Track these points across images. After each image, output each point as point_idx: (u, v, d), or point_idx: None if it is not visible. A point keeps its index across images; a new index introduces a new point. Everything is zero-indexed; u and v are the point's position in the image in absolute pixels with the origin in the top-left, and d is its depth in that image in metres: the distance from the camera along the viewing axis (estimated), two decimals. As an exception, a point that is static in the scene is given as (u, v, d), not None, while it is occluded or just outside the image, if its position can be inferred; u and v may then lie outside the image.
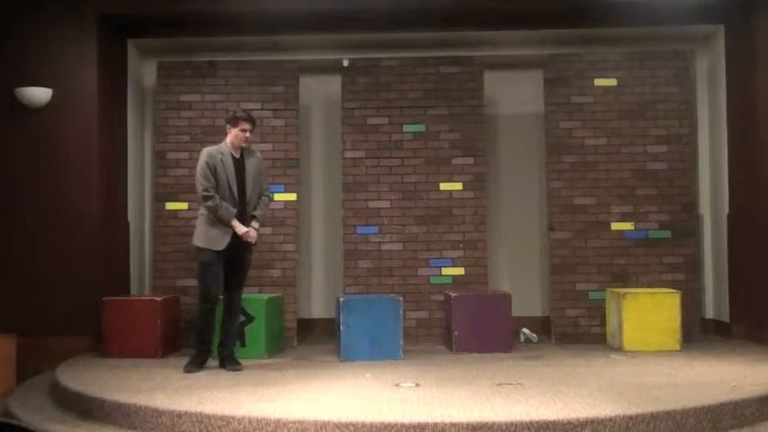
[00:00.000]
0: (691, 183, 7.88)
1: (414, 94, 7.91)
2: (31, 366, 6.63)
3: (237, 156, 6.25)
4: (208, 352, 6.22)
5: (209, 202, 6.07)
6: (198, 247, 6.20)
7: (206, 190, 6.08)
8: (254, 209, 6.29)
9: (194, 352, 6.19)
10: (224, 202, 6.09)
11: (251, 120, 6.29)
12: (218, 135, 7.75)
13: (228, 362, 6.20)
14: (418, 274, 7.73)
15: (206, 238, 6.13)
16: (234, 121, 6.24)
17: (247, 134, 6.24)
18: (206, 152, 6.21)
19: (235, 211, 6.13)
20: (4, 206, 7.22)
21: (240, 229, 6.11)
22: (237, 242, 6.14)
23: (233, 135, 6.23)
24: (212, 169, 6.11)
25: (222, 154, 6.19)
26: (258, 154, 6.47)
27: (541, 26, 7.87)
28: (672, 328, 6.86)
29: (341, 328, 6.64)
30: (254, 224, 6.27)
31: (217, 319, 6.26)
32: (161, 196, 7.82)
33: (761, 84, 7.17)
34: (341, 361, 6.55)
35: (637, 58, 7.90)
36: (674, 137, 7.79)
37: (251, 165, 6.29)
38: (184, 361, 6.22)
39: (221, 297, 6.27)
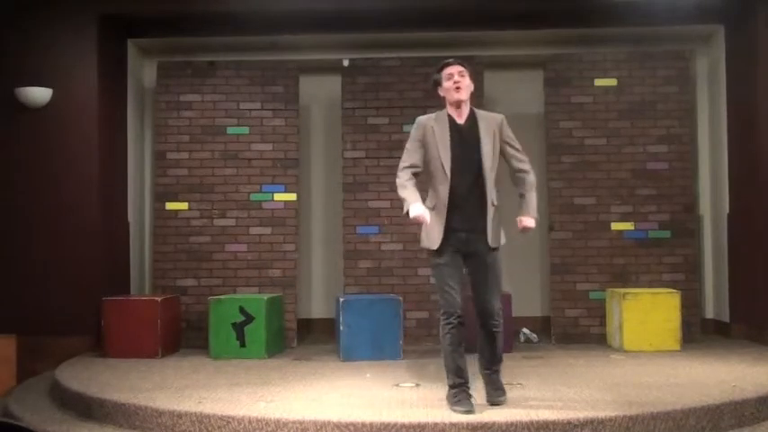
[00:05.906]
0: (691, 183, 7.87)
1: (414, 94, 7.89)
2: (31, 366, 6.64)
3: (462, 121, 4.79)
4: (466, 386, 4.65)
5: (397, 180, 4.77)
6: (426, 250, 4.88)
7: (401, 169, 4.77)
8: (495, 192, 4.77)
9: (448, 389, 4.72)
10: (410, 180, 4.72)
11: (454, 62, 4.86)
12: (219, 135, 7.84)
13: (491, 388, 4.77)
14: (418, 274, 7.71)
15: (425, 235, 4.78)
16: (438, 78, 4.87)
17: (455, 77, 4.77)
18: (416, 121, 4.85)
19: (425, 198, 4.73)
20: (3, 206, 7.23)
21: (414, 211, 4.60)
22: (467, 238, 4.66)
23: (445, 92, 4.82)
24: (420, 141, 4.75)
25: (435, 121, 4.80)
26: (499, 118, 4.92)
27: (541, 26, 7.87)
28: (672, 328, 6.86)
29: (341, 328, 6.64)
30: (525, 219, 4.80)
31: (464, 338, 4.68)
32: (161, 196, 7.82)
33: (761, 84, 7.17)
34: (341, 361, 6.54)
35: (637, 58, 7.89)
36: (674, 137, 7.78)
37: (480, 131, 4.76)
38: (184, 361, 6.22)
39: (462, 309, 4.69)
